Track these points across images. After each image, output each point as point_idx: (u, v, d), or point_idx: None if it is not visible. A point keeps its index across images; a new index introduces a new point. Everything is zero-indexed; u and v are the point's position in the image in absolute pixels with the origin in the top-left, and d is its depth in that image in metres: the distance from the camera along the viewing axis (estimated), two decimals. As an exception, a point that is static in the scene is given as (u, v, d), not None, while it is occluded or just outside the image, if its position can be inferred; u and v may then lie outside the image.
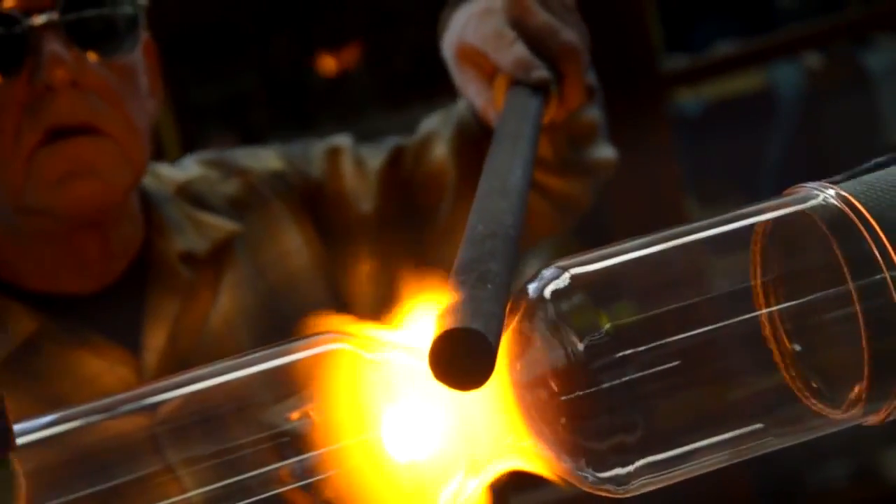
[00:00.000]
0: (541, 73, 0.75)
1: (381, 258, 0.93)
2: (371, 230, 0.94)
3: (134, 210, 0.88)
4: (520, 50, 0.76)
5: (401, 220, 0.94)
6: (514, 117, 0.69)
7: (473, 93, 0.82)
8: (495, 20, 0.79)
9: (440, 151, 0.92)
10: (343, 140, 0.97)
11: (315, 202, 0.94)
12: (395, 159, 0.95)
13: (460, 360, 0.36)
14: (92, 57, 0.80)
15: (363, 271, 0.93)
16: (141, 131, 0.83)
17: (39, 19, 0.77)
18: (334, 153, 0.96)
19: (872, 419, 0.40)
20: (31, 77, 0.78)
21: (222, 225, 0.90)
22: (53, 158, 0.79)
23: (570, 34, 0.79)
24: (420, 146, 0.94)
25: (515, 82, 0.75)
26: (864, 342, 0.37)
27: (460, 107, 0.92)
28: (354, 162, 0.95)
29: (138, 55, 0.84)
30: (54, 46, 0.77)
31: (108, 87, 0.80)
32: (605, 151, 0.92)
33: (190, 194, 0.92)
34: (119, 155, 0.81)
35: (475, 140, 0.89)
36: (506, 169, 0.56)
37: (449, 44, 0.84)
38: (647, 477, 0.38)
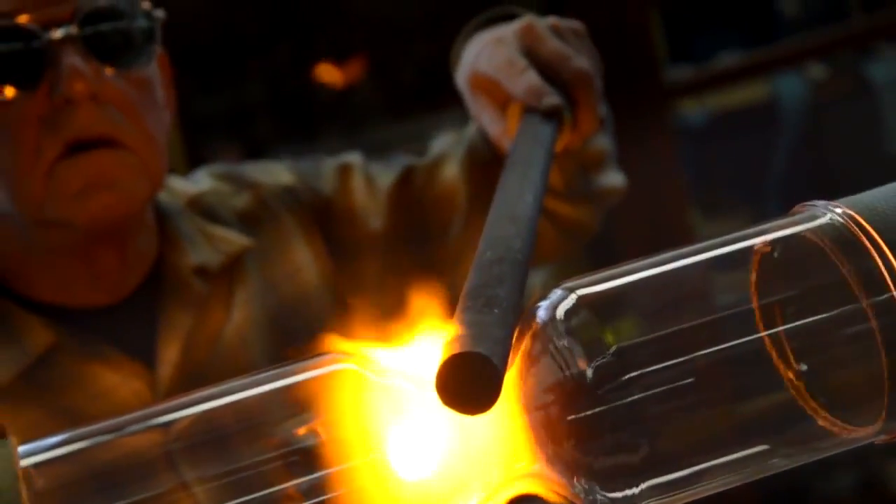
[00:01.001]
0: (553, 99, 0.76)
1: (390, 276, 0.93)
2: (380, 247, 0.94)
3: (149, 223, 0.89)
4: (532, 77, 0.77)
5: (410, 239, 0.94)
6: (526, 144, 0.70)
7: (487, 121, 0.83)
8: (507, 49, 0.80)
9: (451, 172, 0.93)
10: (354, 157, 0.98)
11: (325, 218, 0.95)
12: (406, 178, 0.95)
13: (467, 385, 0.37)
14: (109, 70, 0.80)
15: (371, 288, 0.94)
16: (159, 143, 0.84)
17: (58, 33, 0.78)
18: (345, 170, 0.96)
19: (883, 438, 0.40)
20: (50, 91, 0.78)
21: (234, 239, 0.91)
22: (73, 171, 0.79)
23: (582, 61, 0.80)
24: (431, 166, 0.95)
25: (528, 110, 0.76)
26: (883, 362, 0.38)
27: (472, 129, 0.93)
28: (365, 179, 0.96)
29: (154, 68, 0.85)
30: (73, 60, 0.78)
31: (127, 100, 0.81)
32: (614, 179, 0.93)
33: (201, 207, 0.93)
34: (138, 167, 0.82)
35: (486, 163, 0.90)
36: (516, 195, 0.56)
37: (462, 74, 0.84)
38: (655, 498, 0.39)
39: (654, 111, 1.96)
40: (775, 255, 0.41)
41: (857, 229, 0.39)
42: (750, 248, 0.41)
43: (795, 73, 2.84)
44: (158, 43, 0.85)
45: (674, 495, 0.39)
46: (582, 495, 0.39)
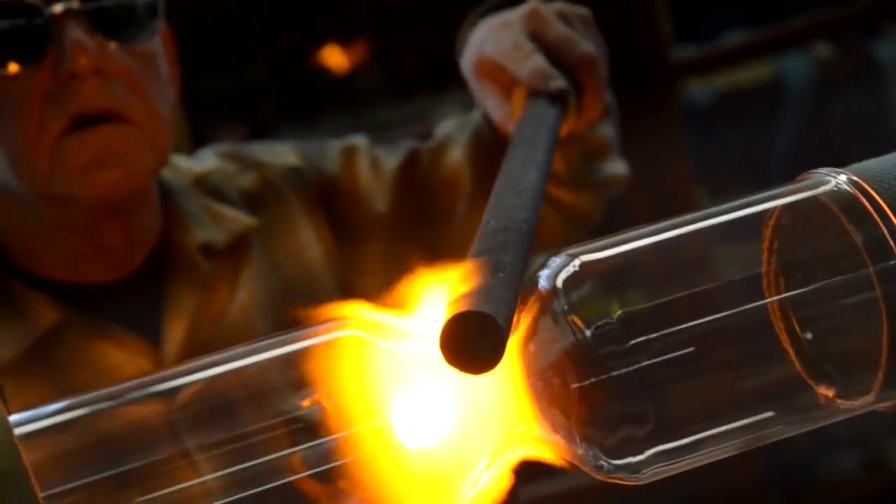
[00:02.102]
0: (558, 82, 0.76)
1: (394, 258, 0.94)
2: (384, 229, 0.94)
3: (154, 200, 0.89)
4: (538, 60, 0.77)
5: (414, 222, 0.95)
6: (531, 125, 0.70)
7: (492, 106, 0.83)
8: (513, 33, 0.80)
9: (456, 156, 0.93)
10: (359, 139, 0.98)
11: (330, 199, 0.95)
12: (411, 161, 0.96)
13: (471, 344, 0.37)
14: (113, 44, 0.80)
15: (375, 269, 0.94)
16: (163, 117, 0.84)
17: (60, 7, 0.78)
18: (350, 152, 0.97)
19: (885, 405, 0.40)
20: (54, 65, 0.79)
21: (240, 218, 0.91)
22: (79, 146, 0.80)
23: (588, 46, 0.80)
24: (437, 149, 0.95)
25: (533, 93, 0.76)
26: (883, 329, 0.37)
27: (477, 114, 0.93)
28: (370, 161, 0.96)
29: (158, 42, 0.85)
30: (77, 34, 0.78)
31: (131, 74, 0.81)
32: (617, 167, 0.93)
33: (207, 186, 0.93)
34: (143, 141, 0.82)
35: (491, 147, 0.90)
36: (520, 171, 0.57)
37: (467, 59, 0.85)
38: (659, 465, 0.39)
39: (660, 91, 1.96)
40: (782, 221, 0.41)
41: (861, 195, 0.39)
42: (754, 214, 0.41)
43: (802, 53, 2.82)
44: (162, 18, 0.85)
45: (679, 461, 0.39)
46: (585, 461, 0.39)
